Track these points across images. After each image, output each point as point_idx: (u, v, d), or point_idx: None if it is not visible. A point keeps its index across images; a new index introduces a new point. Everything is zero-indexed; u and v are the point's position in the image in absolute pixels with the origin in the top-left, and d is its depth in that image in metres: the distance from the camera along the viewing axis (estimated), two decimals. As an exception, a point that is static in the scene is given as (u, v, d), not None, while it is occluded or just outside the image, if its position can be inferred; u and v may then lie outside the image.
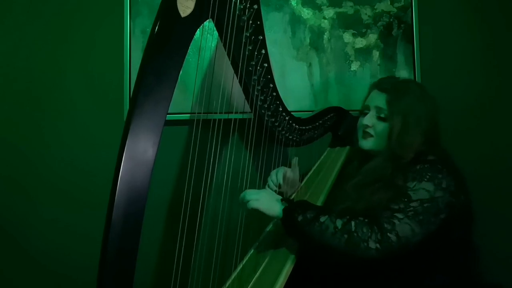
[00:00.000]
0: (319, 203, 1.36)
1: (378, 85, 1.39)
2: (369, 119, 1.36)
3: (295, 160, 1.52)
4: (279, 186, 1.45)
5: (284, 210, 1.20)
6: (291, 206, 1.20)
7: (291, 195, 1.49)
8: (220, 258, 1.29)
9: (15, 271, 1.68)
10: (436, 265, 1.22)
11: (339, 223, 1.14)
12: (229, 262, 1.29)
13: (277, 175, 1.47)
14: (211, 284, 1.28)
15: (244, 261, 1.30)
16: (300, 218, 1.16)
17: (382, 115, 1.34)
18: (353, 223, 1.14)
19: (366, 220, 1.15)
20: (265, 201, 1.21)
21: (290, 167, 1.51)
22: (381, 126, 1.34)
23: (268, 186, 1.46)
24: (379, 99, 1.35)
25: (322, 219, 1.15)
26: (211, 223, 1.43)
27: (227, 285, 1.24)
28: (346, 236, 1.12)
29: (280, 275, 1.16)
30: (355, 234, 1.12)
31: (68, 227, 1.69)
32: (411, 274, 1.21)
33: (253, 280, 1.20)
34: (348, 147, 1.60)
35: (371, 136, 1.36)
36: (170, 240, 1.69)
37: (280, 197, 1.25)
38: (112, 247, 0.89)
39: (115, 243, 0.89)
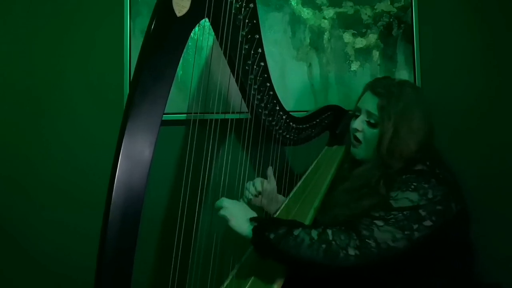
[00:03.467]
0: (316, 204, 1.36)
1: (372, 87, 1.35)
2: (358, 123, 1.35)
3: (270, 171, 1.47)
4: (258, 195, 1.42)
5: (254, 230, 1.14)
6: (262, 225, 1.14)
7: (277, 211, 1.44)
8: (218, 257, 1.29)
9: (15, 271, 1.69)
10: (433, 269, 1.20)
11: (314, 233, 1.11)
12: (227, 261, 1.29)
13: (254, 184, 1.42)
14: (209, 283, 1.29)
15: (242, 260, 1.30)
16: (272, 235, 1.11)
17: (372, 121, 1.31)
18: (329, 231, 1.11)
19: (342, 228, 1.12)
20: (236, 216, 1.17)
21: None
22: (370, 132, 1.32)
23: (245, 198, 1.40)
24: (370, 103, 1.32)
25: (296, 232, 1.11)
26: (208, 222, 1.42)
27: (225, 284, 1.24)
28: (324, 246, 1.09)
29: (279, 274, 1.17)
30: (334, 243, 1.09)
31: (68, 227, 1.70)
32: (408, 278, 1.19)
33: (251, 279, 1.20)
34: (345, 146, 1.60)
35: (360, 142, 1.35)
36: (167, 240, 1.68)
37: (253, 214, 1.20)
38: (109, 247, 0.89)
39: (112, 243, 0.89)
